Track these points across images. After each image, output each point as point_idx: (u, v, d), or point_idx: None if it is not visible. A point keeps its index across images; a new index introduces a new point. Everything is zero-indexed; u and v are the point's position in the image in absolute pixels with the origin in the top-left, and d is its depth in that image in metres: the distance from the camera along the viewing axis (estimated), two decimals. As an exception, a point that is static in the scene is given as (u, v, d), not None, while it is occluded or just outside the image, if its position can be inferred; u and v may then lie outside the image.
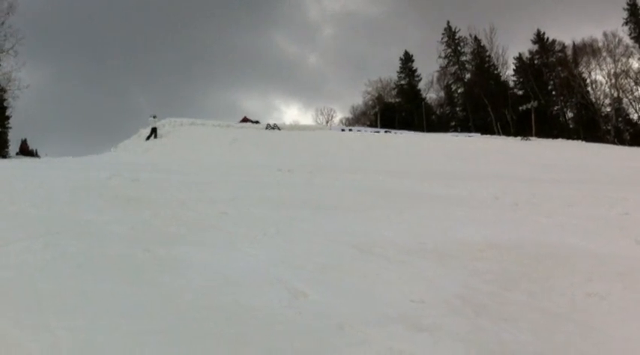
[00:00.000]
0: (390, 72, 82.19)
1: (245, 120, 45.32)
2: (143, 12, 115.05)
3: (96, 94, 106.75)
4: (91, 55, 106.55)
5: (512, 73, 74.08)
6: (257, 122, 45.26)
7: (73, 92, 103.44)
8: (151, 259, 4.76)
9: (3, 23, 44.11)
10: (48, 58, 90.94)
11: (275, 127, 39.82)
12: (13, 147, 54.72)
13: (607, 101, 65.65)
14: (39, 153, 62.60)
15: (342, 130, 45.20)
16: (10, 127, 47.52)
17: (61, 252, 4.84)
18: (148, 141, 32.22)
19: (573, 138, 45.31)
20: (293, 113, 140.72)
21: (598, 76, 66.41)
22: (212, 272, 4.44)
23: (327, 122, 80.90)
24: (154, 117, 35.06)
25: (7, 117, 46.17)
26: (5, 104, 45.37)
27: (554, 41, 71.12)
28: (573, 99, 66.93)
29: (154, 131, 33.43)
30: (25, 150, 64.08)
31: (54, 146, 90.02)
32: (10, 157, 40.75)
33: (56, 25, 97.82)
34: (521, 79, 71.63)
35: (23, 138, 66.56)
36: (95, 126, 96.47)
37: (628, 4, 66.62)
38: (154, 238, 5.68)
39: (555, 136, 45.02)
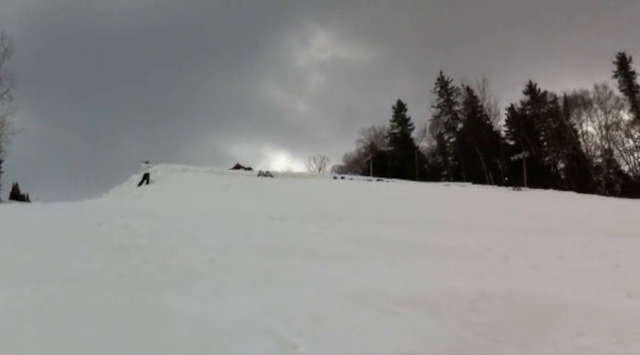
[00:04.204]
0: (382, 120, 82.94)
1: (238, 166, 45.44)
2: (133, 58, 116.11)
3: (87, 139, 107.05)
4: (81, 99, 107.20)
5: (504, 123, 74.69)
6: (249, 169, 45.37)
7: (64, 137, 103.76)
8: (138, 308, 4.70)
9: (-1, 67, 44.34)
10: (39, 102, 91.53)
11: (267, 174, 39.87)
12: (5, 191, 54.59)
13: (598, 152, 66.13)
14: (30, 198, 62.44)
15: (335, 178, 45.26)
16: (2, 171, 47.48)
17: (48, 299, 4.78)
18: (139, 187, 32.13)
19: (564, 189, 45.45)
20: (282, 161, 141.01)
21: (589, 128, 67.07)
22: (200, 322, 4.39)
23: (319, 170, 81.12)
24: (147, 162, 35.04)
25: (0, 162, 46.14)
26: (-3, 148, 45.35)
27: (545, 92, 71.86)
28: (564, 150, 67.40)
29: (146, 177, 33.35)
30: (17, 195, 63.94)
31: (45, 191, 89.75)
32: (1, 202, 40.57)
33: (46, 69, 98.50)
34: (513, 130, 72.15)
35: (15, 183, 66.50)
36: (87, 171, 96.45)
37: (617, 58, 67.74)
38: (142, 286, 5.63)
39: (547, 187, 45.14)
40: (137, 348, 3.63)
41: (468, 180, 53.59)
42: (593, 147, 66.61)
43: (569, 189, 46.82)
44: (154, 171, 35.21)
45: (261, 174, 40.16)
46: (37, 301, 4.70)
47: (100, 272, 6.25)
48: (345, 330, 4.47)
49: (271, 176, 39.54)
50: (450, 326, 4.74)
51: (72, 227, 10.92)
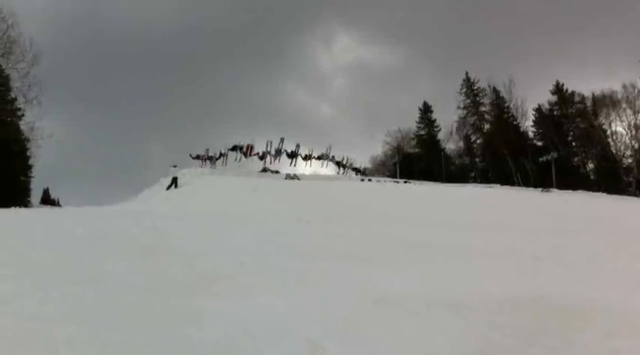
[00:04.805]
0: (407, 121, 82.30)
1: (265, 169, 45.50)
2: (160, 62, 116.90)
3: (116, 143, 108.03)
4: (110, 103, 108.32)
5: (531, 123, 73.99)
6: (277, 172, 45.45)
7: (92, 141, 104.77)
8: (168, 309, 4.75)
9: (28, 74, 44.96)
10: (67, 107, 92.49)
11: (294, 177, 39.98)
12: (36, 196, 55.29)
13: (628, 152, 65.30)
14: (60, 203, 63.23)
15: (362, 180, 45.24)
16: (33, 176, 48.10)
17: (78, 302, 4.85)
18: (168, 191, 32.48)
19: (594, 190, 44.90)
20: (308, 163, 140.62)
21: (618, 128, 66.24)
22: (230, 323, 4.42)
23: (345, 172, 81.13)
24: (175, 166, 35.52)
25: (30, 167, 46.76)
26: (28, 153, 46.01)
27: (573, 92, 71.03)
28: (593, 151, 66.64)
29: (174, 181, 33.74)
30: (47, 200, 64.78)
31: (75, 195, 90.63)
32: (32, 206, 41.14)
33: (74, 74, 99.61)
34: (540, 130, 71.47)
35: (45, 188, 67.37)
36: (116, 175, 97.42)
37: (645, 56, 66.74)
38: (171, 288, 5.69)
39: (576, 188, 44.66)
40: (168, 350, 3.67)
41: (495, 182, 53.20)
42: (622, 148, 65.78)
43: (598, 190, 46.24)
44: (183, 175, 35.59)
45: (288, 177, 40.29)
46: (67, 304, 4.76)
47: (130, 275, 6.31)
48: (374, 332, 4.48)
49: (298, 179, 39.67)
50: (478, 327, 4.73)
51: (101, 230, 11.06)
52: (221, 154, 46.33)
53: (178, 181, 33.87)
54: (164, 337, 3.95)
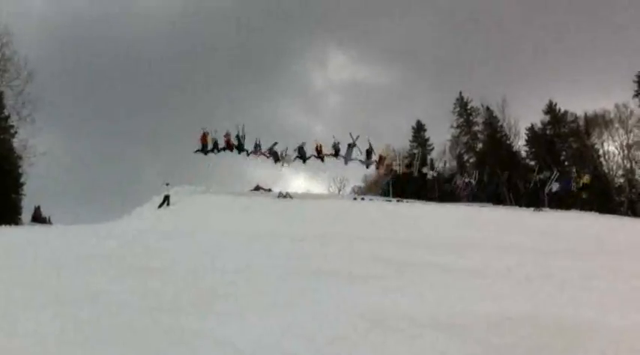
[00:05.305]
0: (401, 140, 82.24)
1: (257, 188, 45.53)
2: (154, 81, 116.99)
3: (108, 161, 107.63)
4: (102, 121, 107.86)
5: (524, 143, 74.29)
6: (269, 190, 45.46)
7: (85, 159, 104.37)
8: (161, 329, 4.72)
9: (22, 91, 45.05)
10: (60, 123, 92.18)
11: (287, 196, 39.92)
12: (27, 214, 55.04)
13: (620, 172, 65.65)
14: (51, 221, 62.88)
15: (354, 199, 45.23)
16: (24, 194, 47.92)
17: (69, 321, 4.81)
18: (160, 209, 32.39)
19: (587, 210, 45.05)
20: (301, 182, 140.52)
21: (610, 147, 66.72)
22: (222, 343, 4.39)
23: (339, 191, 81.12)
24: (167, 184, 35.38)
25: (22, 184, 46.61)
26: (20, 171, 45.91)
27: (566, 112, 71.40)
28: (586, 170, 66.96)
29: (166, 199, 33.66)
30: (38, 218, 64.46)
31: (67, 213, 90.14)
32: (22, 224, 40.94)
33: (68, 92, 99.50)
34: (533, 150, 71.75)
35: (36, 206, 67.01)
36: (108, 193, 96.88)
37: (637, 77, 67.30)
38: (163, 308, 5.65)
39: (568, 207, 44.80)
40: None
41: (488, 201, 53.27)
42: (614, 167, 66.16)
43: (591, 209, 46.38)
44: (175, 193, 35.50)
45: (280, 195, 40.25)
46: (58, 324, 4.73)
47: (121, 294, 6.28)
48: (366, 352, 4.45)
49: (291, 197, 39.62)
50: (472, 348, 4.70)
51: (93, 249, 11.00)
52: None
53: (170, 199, 33.77)
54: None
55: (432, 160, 59.85)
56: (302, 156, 43.28)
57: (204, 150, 42.01)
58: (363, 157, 46.54)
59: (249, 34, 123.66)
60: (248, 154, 42.97)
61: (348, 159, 45.00)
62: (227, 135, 42.71)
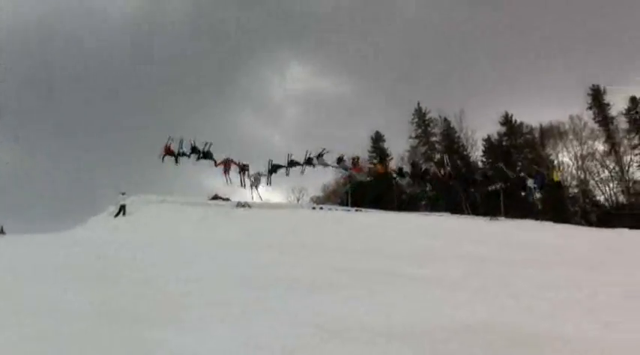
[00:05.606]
0: (359, 151, 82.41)
1: (216, 197, 44.99)
2: (110, 87, 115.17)
3: (63, 170, 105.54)
4: (57, 130, 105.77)
5: (481, 153, 75.38)
6: (228, 199, 44.99)
7: (39, 167, 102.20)
8: (117, 339, 4.65)
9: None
10: (14, 132, 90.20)
11: (245, 205, 39.66)
12: (-22, 223, 53.74)
13: (574, 183, 67.02)
14: (4, 231, 61.54)
15: (313, 208, 45.10)
16: (-24, 204, 46.86)
17: (25, 332, 4.71)
18: (116, 219, 31.93)
19: (541, 219, 45.71)
20: (259, 192, 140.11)
21: (565, 158, 68.14)
22: (178, 354, 4.33)
23: (297, 200, 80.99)
24: (123, 194, 34.85)
25: (-26, 194, 45.64)
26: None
27: (521, 123, 72.64)
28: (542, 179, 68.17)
29: (122, 208, 33.16)
30: (-9, 228, 62.96)
31: (21, 222, 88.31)
32: (-27, 234, 39.98)
33: (19, 97, 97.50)
34: (490, 160, 72.71)
35: (-12, 215, 65.45)
36: (63, 202, 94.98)
37: (591, 90, 68.91)
38: (120, 318, 5.57)
39: (524, 216, 45.39)
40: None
41: (445, 210, 53.80)
42: (569, 178, 67.48)
43: (546, 218, 47.12)
44: (131, 202, 34.98)
45: (239, 204, 39.96)
46: (14, 333, 4.63)
47: (77, 304, 6.18)
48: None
49: (249, 206, 39.38)
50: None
51: (47, 258, 10.78)
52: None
53: (127, 209, 33.31)
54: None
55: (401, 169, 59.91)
56: (273, 169, 42.98)
57: (174, 155, 41.05)
58: (334, 164, 46.91)
59: (208, 44, 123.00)
60: (216, 164, 42.26)
61: (323, 164, 45.04)
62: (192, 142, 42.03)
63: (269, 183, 43.98)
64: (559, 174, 51.87)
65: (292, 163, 43.44)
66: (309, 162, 43.60)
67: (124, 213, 32.79)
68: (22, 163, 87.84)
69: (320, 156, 44.21)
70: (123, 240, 19.18)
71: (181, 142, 40.07)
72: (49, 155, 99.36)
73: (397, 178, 61.01)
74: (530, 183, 47.91)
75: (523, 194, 53.63)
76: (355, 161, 49.95)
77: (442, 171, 49.62)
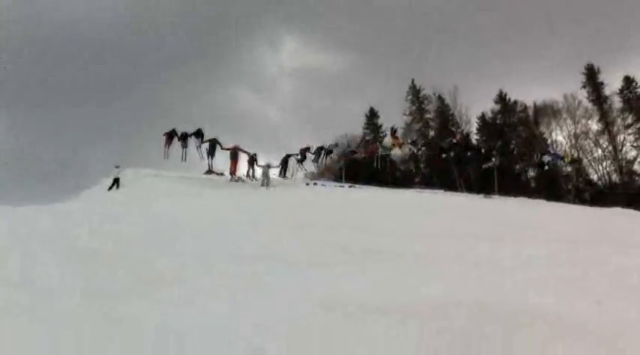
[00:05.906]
0: (354, 127, 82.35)
1: (209, 172, 44.93)
2: (107, 66, 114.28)
3: (57, 142, 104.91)
4: (51, 104, 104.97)
5: (475, 131, 75.53)
6: (222, 174, 44.97)
7: (32, 138, 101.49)
8: (104, 315, 4.63)
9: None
10: (7, 105, 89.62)
11: (239, 180, 39.64)
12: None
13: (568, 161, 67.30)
14: (-3, 202, 61.38)
15: (307, 184, 45.17)
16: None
17: (7, 306, 4.69)
18: (110, 192, 31.88)
19: (535, 197, 45.87)
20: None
21: (559, 137, 68.33)
22: (168, 329, 4.33)
23: (292, 176, 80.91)
24: (117, 167, 34.80)
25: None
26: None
27: (515, 101, 72.73)
28: (535, 159, 68.31)
29: (116, 181, 33.11)
30: (-18, 199, 62.83)
31: (13, 194, 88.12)
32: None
33: (15, 71, 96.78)
34: (484, 138, 72.84)
35: (-21, 188, 65.29)
36: (56, 174, 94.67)
37: (586, 69, 68.92)
38: (109, 293, 5.54)
39: (517, 194, 45.55)
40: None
41: (439, 188, 53.88)
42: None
43: (539, 196, 47.29)
44: (125, 175, 34.92)
45: (233, 179, 39.93)
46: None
47: (65, 279, 6.14)
48: (315, 338, 4.45)
49: (243, 181, 39.37)
50: (417, 332, 4.75)
51: (37, 231, 10.73)
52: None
53: (121, 182, 33.26)
54: (98, 343, 3.83)
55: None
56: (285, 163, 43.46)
57: (178, 137, 40.89)
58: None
59: (200, 20, 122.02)
60: (222, 148, 41.90)
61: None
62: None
63: (282, 175, 44.25)
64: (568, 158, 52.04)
65: (304, 155, 43.91)
66: (326, 152, 44.29)
67: (117, 186, 32.75)
68: (13, 135, 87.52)
69: (329, 153, 44.84)
70: (116, 213, 19.14)
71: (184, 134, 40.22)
72: (41, 127, 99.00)
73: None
74: (545, 158, 48.46)
75: (517, 171, 54.17)
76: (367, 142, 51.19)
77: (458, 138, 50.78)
